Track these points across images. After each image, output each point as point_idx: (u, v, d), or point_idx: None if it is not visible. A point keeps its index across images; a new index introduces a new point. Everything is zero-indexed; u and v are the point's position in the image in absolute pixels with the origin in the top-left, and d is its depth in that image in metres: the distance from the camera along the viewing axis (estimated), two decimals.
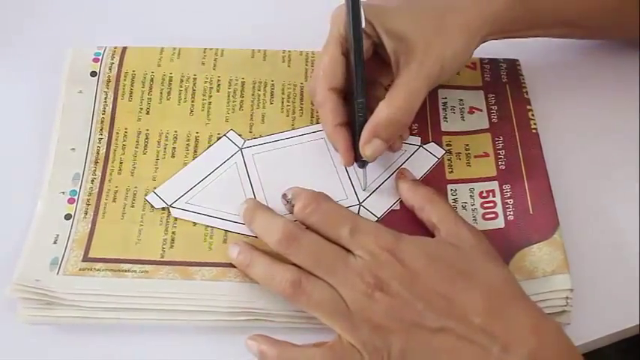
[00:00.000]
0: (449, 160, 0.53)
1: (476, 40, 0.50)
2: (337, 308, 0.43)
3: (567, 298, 0.46)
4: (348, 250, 0.45)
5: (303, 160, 0.52)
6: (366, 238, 0.45)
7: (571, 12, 0.52)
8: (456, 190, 0.51)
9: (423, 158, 0.53)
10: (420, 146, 0.53)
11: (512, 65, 0.57)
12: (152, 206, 0.50)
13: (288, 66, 0.56)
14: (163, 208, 0.50)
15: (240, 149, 0.53)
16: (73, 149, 0.52)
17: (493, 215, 0.50)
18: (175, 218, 0.50)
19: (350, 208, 0.50)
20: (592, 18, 0.53)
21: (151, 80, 0.55)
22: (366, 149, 0.49)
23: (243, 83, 0.55)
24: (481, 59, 0.58)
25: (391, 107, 0.48)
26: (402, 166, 0.52)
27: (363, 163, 0.50)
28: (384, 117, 0.48)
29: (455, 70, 0.50)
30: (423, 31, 0.48)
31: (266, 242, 0.47)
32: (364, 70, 0.48)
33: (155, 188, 0.51)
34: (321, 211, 0.47)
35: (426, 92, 0.49)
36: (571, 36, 0.57)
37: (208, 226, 0.49)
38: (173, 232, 0.49)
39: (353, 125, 0.50)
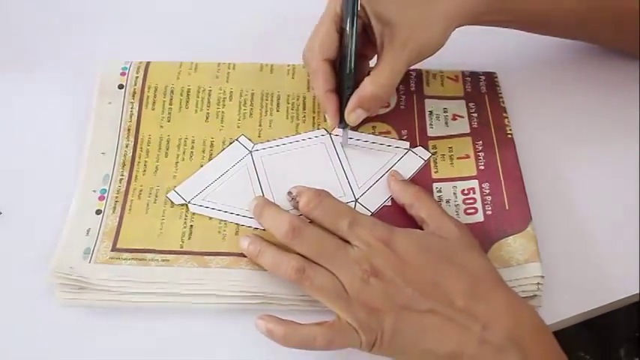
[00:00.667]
0: (434, 161, 0.53)
1: (452, 28, 0.51)
2: (337, 292, 0.44)
3: (539, 284, 0.46)
4: (347, 242, 0.45)
5: (306, 161, 0.53)
6: (363, 230, 0.45)
7: (544, 9, 0.52)
8: (440, 188, 0.52)
9: (411, 160, 0.53)
10: (408, 150, 0.53)
11: (490, 78, 0.58)
12: (172, 202, 0.50)
13: (293, 78, 0.57)
14: (182, 205, 0.50)
15: (250, 152, 0.53)
16: (104, 153, 0.52)
17: (473, 210, 0.50)
18: (193, 213, 0.50)
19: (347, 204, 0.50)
20: (564, 17, 0.53)
21: (172, 92, 0.55)
22: (350, 116, 0.51)
23: (252, 94, 0.56)
24: (463, 72, 0.58)
25: (375, 85, 0.50)
26: (393, 168, 0.52)
27: (345, 125, 0.52)
28: (368, 92, 0.50)
29: (431, 53, 0.51)
30: (408, 20, 0.49)
31: (273, 234, 0.47)
32: (357, 48, 0.50)
33: (175, 187, 0.51)
34: (322, 206, 0.47)
35: (404, 71, 0.50)
36: (546, 33, 0.56)
37: (222, 220, 0.49)
38: (191, 226, 0.49)
39: (340, 92, 0.51)
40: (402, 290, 0.43)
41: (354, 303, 0.43)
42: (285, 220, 0.46)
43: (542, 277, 0.47)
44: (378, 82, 0.50)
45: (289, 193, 0.49)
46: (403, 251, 0.44)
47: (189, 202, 0.50)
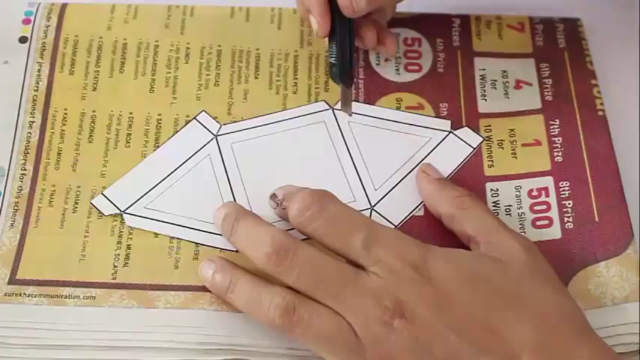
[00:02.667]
0: (488, 149, 0.53)
1: None
2: (344, 340, 0.43)
3: None
4: (360, 267, 0.45)
5: (298, 150, 0.52)
6: (385, 250, 0.45)
7: None
8: (497, 189, 0.52)
9: (453, 148, 0.53)
10: (449, 132, 0.53)
11: (573, 26, 0.58)
12: (100, 212, 0.50)
13: (278, 28, 0.57)
14: (115, 215, 0.50)
15: (215, 136, 0.53)
16: None
17: (546, 222, 0.50)
18: (131, 228, 0.49)
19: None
20: None
21: (99, 48, 0.55)
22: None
23: (219, 52, 0.56)
24: (531, 18, 0.58)
25: None
26: (425, 160, 0.52)
27: (349, 80, 0.52)
28: None
29: None
30: None
31: (250, 258, 0.46)
32: None
33: (104, 188, 0.51)
34: (325, 214, 0.47)
35: None
36: None
37: (174, 237, 0.49)
38: (128, 246, 0.49)
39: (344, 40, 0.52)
40: (442, 337, 0.43)
41: (369, 356, 0.43)
42: (268, 236, 0.46)
43: None
44: None
45: (273, 196, 0.50)
46: (442, 280, 0.44)
47: (124, 212, 0.50)
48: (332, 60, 0.52)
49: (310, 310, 0.44)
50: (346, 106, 0.53)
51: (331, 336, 0.44)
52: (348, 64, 0.52)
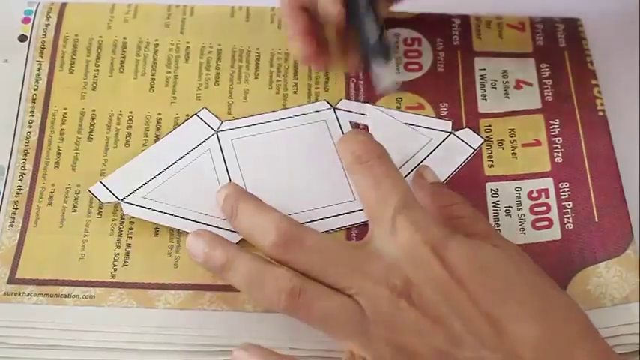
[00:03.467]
0: (488, 150, 0.53)
1: None
2: (351, 318, 0.43)
3: None
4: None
5: (299, 148, 0.52)
6: (411, 228, 0.45)
7: None
8: (497, 190, 0.51)
9: (454, 149, 0.53)
10: (450, 133, 0.53)
11: (573, 26, 0.58)
12: (100, 202, 0.50)
13: (278, 28, 0.57)
14: (115, 214, 0.50)
15: (216, 132, 0.53)
16: None
17: (546, 223, 0.50)
18: (131, 227, 0.49)
19: (358, 213, 0.50)
20: None
21: (99, 47, 0.55)
22: None
23: (219, 51, 0.56)
24: (531, 18, 0.58)
25: None
26: (426, 161, 0.52)
27: (387, 53, 0.50)
28: None
29: None
30: None
31: (254, 244, 0.46)
32: None
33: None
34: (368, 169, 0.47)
35: None
36: None
37: (175, 230, 0.49)
38: (128, 245, 0.49)
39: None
40: (447, 323, 0.43)
41: (373, 332, 0.43)
42: (272, 224, 0.45)
43: None
44: None
45: None
46: (456, 265, 0.44)
47: (122, 201, 0.50)
48: (370, 42, 0.50)
49: (316, 292, 0.44)
50: (392, 81, 0.51)
51: (335, 315, 0.44)
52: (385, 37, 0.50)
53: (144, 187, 0.50)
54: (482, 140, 0.53)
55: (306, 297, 0.44)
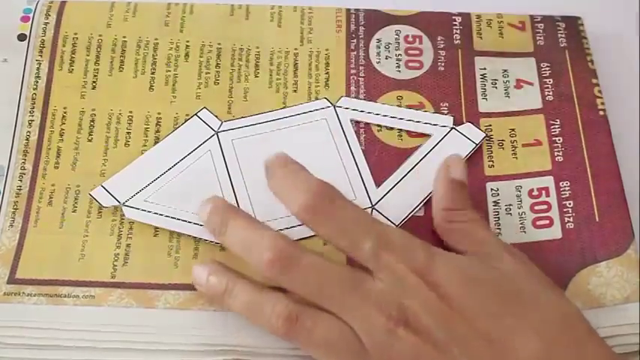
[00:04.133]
0: (489, 149, 0.53)
1: None
2: (347, 347, 0.43)
3: None
4: (366, 270, 0.45)
5: (300, 147, 0.51)
6: (393, 256, 0.44)
7: None
8: (497, 189, 0.51)
9: (456, 144, 0.53)
10: (452, 128, 0.53)
11: (574, 25, 0.58)
12: (100, 205, 0.50)
13: (279, 26, 0.57)
14: (114, 214, 0.50)
15: (217, 132, 0.53)
16: None
17: (547, 222, 0.50)
18: (131, 227, 0.49)
19: None
20: None
21: (98, 46, 0.55)
22: None
23: (219, 50, 0.56)
24: (532, 17, 0.58)
25: None
26: (427, 156, 0.52)
27: None
28: None
29: None
30: None
31: (248, 263, 0.45)
32: None
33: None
34: (334, 215, 0.45)
35: None
36: None
37: (174, 232, 0.49)
38: (128, 245, 0.49)
39: None
40: (445, 350, 0.43)
41: None
42: (267, 242, 0.45)
43: None
44: None
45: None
46: (446, 286, 0.44)
47: (123, 204, 0.50)
48: None
49: (313, 318, 0.44)
50: None
51: (334, 343, 0.44)
52: None
53: (145, 189, 0.51)
54: (484, 135, 0.53)
55: (302, 322, 0.44)
